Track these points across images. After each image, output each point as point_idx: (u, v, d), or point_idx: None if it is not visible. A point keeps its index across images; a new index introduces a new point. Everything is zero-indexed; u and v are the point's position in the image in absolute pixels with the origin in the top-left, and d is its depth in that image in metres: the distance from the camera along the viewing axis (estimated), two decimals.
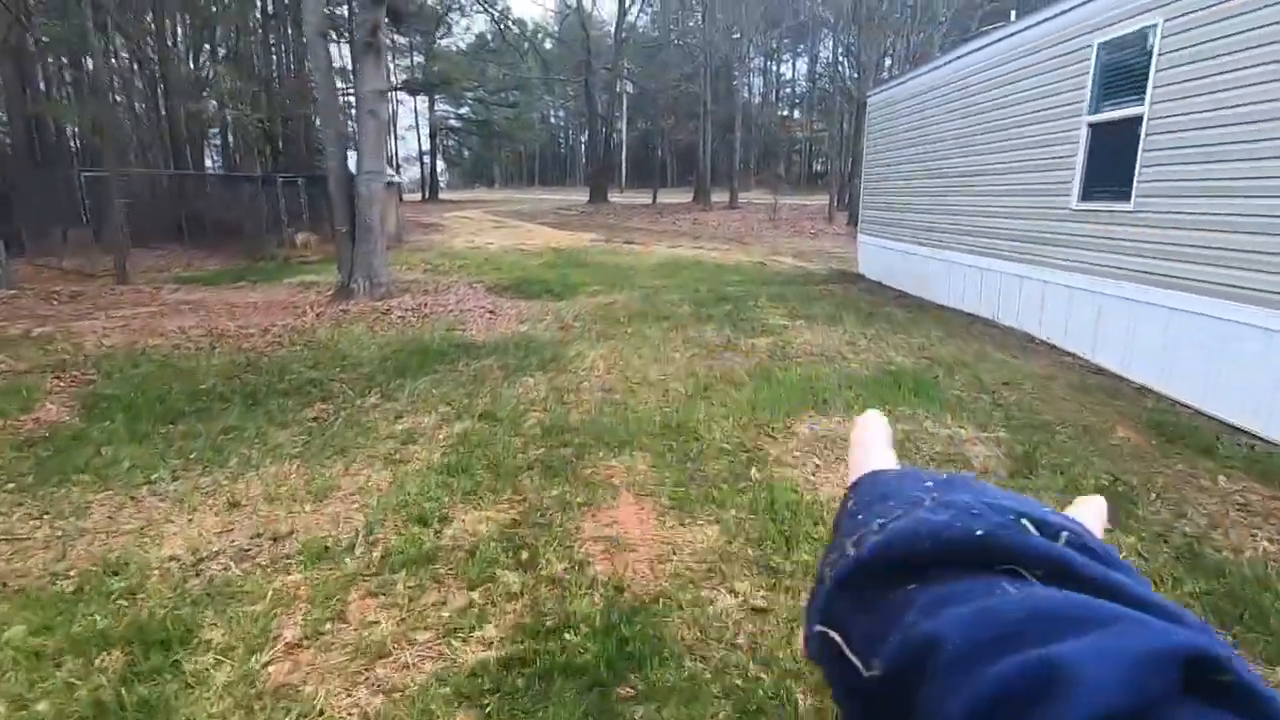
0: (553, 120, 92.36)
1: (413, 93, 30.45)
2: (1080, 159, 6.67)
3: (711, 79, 29.92)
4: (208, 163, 28.59)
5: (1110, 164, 6.31)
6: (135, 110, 22.59)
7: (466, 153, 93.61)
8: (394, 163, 51.80)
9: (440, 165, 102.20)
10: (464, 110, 59.12)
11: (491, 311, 9.35)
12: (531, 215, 31.71)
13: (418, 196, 53.75)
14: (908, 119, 10.94)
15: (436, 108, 53.30)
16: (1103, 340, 6.46)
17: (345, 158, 10.01)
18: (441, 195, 53.46)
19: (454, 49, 49.88)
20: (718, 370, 6.06)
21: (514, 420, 4.95)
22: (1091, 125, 6.55)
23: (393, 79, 28.74)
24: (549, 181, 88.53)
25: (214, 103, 22.00)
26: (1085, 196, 6.67)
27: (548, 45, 62.31)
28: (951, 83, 9.28)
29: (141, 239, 16.30)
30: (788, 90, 68.15)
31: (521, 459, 4.28)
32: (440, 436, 4.69)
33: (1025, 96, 7.57)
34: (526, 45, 61.38)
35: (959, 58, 9.12)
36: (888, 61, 24.00)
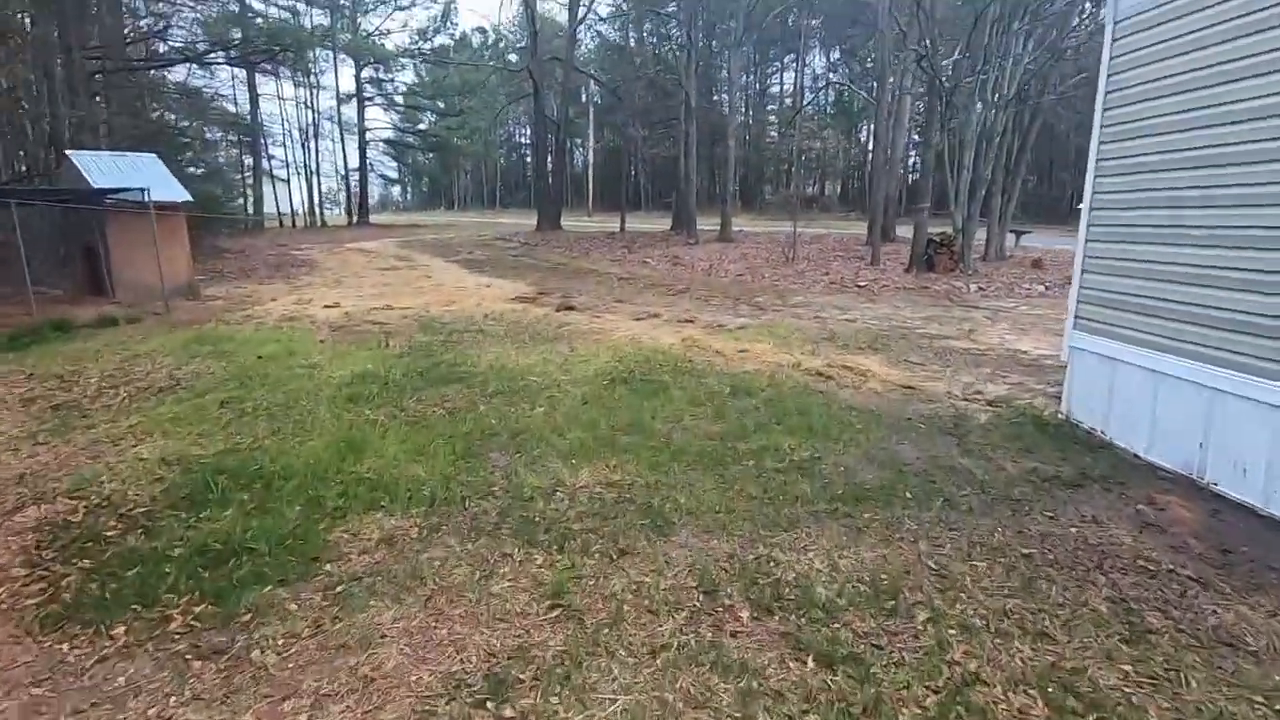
0: (520, 139, 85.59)
1: (242, 64, 22.26)
2: None
3: (696, 69, 22.43)
4: None
5: None
6: None
7: (424, 178, 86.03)
8: (293, 172, 43.07)
9: (396, 188, 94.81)
10: (409, 122, 51.47)
11: None
12: (455, 248, 23.76)
13: (343, 219, 45.59)
14: None
15: (373, 118, 45.40)
16: None
17: None
18: (374, 219, 45.33)
19: (386, 42, 42.27)
20: None
21: None
22: None
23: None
24: (515, 204, 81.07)
25: None
26: None
27: (513, 58, 55.00)
28: None
29: None
30: (773, 106, 61.54)
31: None
32: None
33: None
34: (473, 42, 54.03)
35: None
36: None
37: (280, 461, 4.64)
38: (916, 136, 36.11)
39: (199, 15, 22.47)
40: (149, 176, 11.30)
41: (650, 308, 11.42)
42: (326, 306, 11.36)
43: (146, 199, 10.25)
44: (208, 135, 28.17)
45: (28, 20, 19.21)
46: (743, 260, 18.17)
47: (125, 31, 21.46)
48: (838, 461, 4.76)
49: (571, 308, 11.03)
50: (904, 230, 24.03)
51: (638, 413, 5.81)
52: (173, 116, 25.60)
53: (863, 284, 13.58)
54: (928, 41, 12.94)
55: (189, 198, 12.13)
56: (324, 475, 4.43)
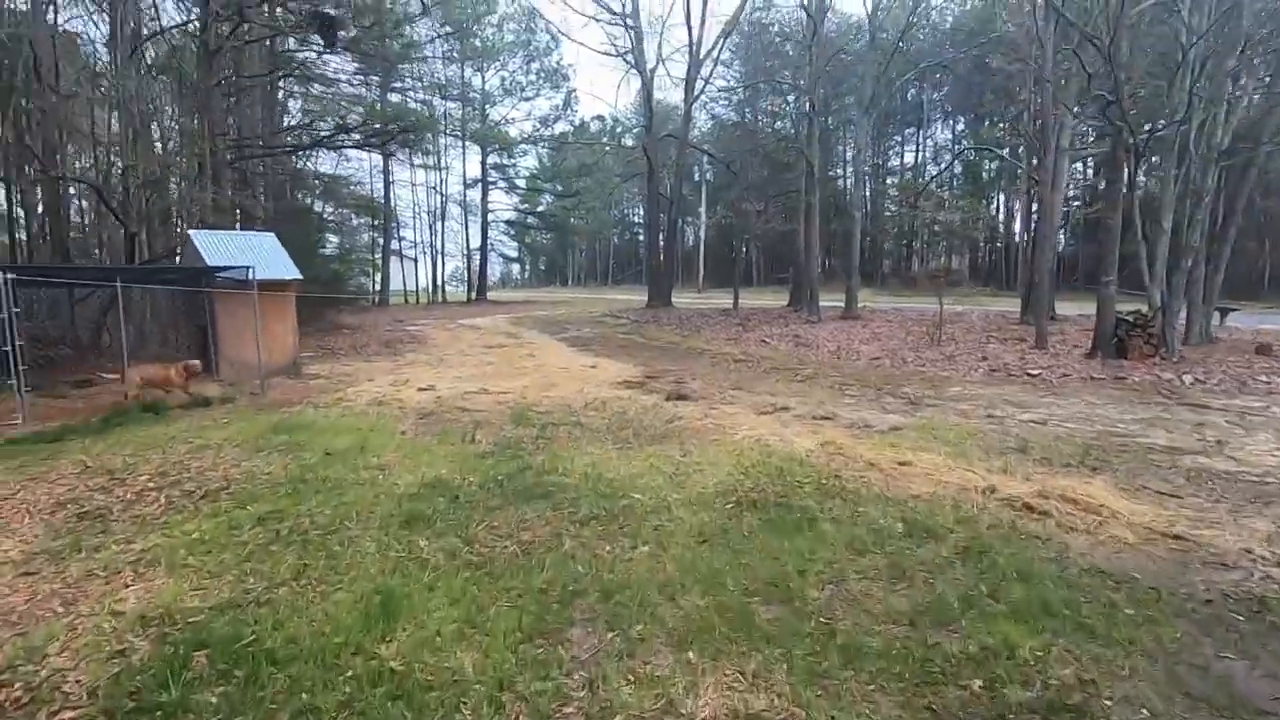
0: (633, 218, 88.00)
1: (368, 146, 23.29)
2: None
3: (819, 135, 21.17)
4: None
5: None
6: None
7: (542, 256, 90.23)
8: (424, 252, 45.71)
9: (515, 265, 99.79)
10: (528, 204, 53.76)
11: None
12: (564, 325, 23.27)
13: (463, 296, 47.43)
14: None
15: (496, 200, 47.73)
16: None
17: None
18: (492, 295, 46.93)
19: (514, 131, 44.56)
20: None
21: None
22: None
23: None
24: (627, 280, 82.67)
25: None
26: None
27: (628, 141, 56.91)
28: None
29: None
30: (893, 179, 59.49)
31: None
32: None
33: None
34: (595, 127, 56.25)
35: None
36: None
37: (286, 629, 3.36)
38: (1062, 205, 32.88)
39: (344, 110, 24.10)
40: (261, 255, 11.24)
41: (775, 397, 9.75)
42: (421, 389, 10.57)
43: (251, 277, 10.02)
44: (353, 219, 30.14)
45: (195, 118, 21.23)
46: (875, 341, 16.13)
47: (280, 125, 23.35)
48: (1130, 696, 2.86)
49: (684, 396, 9.57)
50: (1062, 308, 21.08)
51: (778, 561, 4.16)
52: (319, 203, 27.51)
53: (1034, 372, 11.22)
54: (1099, 87, 10.86)
55: (299, 276, 12.02)
56: (334, 660, 3.09)
